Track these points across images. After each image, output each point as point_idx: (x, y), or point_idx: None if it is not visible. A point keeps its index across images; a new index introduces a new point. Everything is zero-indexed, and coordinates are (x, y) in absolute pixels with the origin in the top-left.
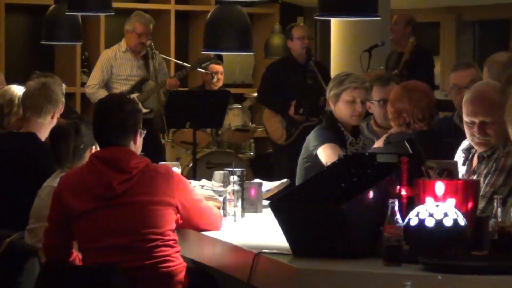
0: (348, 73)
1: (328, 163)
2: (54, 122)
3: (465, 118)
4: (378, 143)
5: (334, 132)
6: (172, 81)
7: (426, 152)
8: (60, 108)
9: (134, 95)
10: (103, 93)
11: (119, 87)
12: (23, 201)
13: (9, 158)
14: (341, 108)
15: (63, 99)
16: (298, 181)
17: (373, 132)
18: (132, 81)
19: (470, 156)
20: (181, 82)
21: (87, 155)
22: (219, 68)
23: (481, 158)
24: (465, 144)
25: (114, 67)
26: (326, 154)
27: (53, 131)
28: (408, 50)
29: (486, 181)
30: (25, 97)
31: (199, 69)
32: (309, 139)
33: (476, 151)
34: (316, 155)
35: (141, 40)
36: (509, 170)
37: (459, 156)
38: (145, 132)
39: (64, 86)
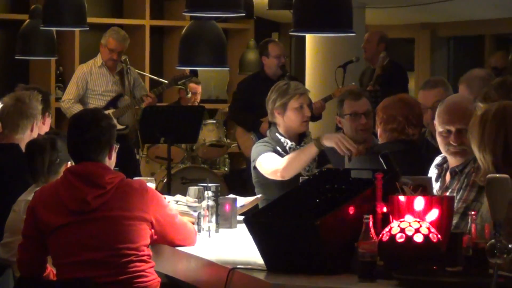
0: (286, 82)
1: (268, 170)
2: (34, 135)
3: (440, 128)
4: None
5: (270, 142)
6: (149, 99)
7: (411, 166)
8: (41, 119)
9: (110, 111)
10: (78, 108)
11: (94, 103)
12: None
13: None
14: (291, 116)
15: (41, 110)
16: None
17: None
18: (107, 97)
19: (443, 172)
20: (157, 98)
21: (62, 170)
22: (197, 87)
23: (453, 173)
24: (437, 160)
25: (89, 82)
26: (264, 163)
27: (29, 145)
28: (379, 65)
29: (458, 197)
30: (0, 114)
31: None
32: (251, 159)
33: (448, 166)
34: (258, 170)
35: (112, 56)
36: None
37: (432, 172)
38: (118, 146)
39: (52, 95)
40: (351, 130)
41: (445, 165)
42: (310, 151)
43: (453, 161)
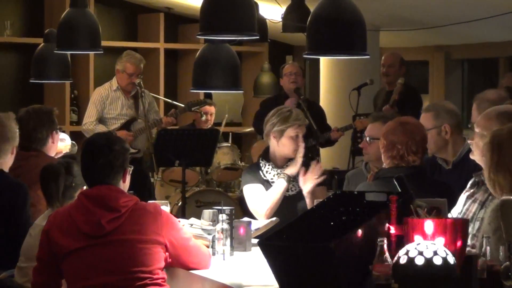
0: (289, 109)
1: (250, 207)
2: (13, 158)
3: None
4: (369, 179)
5: (253, 169)
6: (169, 120)
7: (416, 190)
8: (50, 138)
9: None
10: (102, 129)
11: (109, 126)
12: (11, 239)
13: None
14: (285, 143)
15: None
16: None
17: (369, 170)
18: (121, 120)
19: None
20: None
21: (77, 195)
22: (210, 109)
23: (481, 205)
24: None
25: (106, 105)
26: (248, 198)
27: (44, 170)
28: (396, 90)
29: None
30: None
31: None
32: None
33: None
34: None
35: (132, 80)
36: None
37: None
38: (132, 169)
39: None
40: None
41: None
42: (282, 187)
43: None
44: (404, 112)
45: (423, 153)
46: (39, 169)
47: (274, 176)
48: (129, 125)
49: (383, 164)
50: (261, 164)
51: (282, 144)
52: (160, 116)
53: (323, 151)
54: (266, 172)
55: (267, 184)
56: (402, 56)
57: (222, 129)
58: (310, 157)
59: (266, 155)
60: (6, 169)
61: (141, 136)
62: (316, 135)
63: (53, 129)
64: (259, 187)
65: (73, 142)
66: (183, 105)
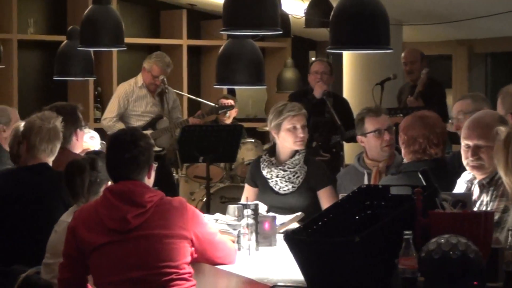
0: (285, 103)
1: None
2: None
3: (462, 142)
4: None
5: (254, 164)
6: (195, 121)
7: (438, 182)
8: (74, 136)
9: (148, 132)
10: (120, 126)
11: (133, 123)
12: (37, 235)
13: (21, 192)
14: (284, 136)
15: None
16: None
17: (363, 165)
18: (146, 117)
19: (472, 187)
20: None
21: (102, 190)
22: (232, 101)
23: (481, 187)
24: (467, 175)
25: (130, 102)
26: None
27: (69, 166)
28: (421, 81)
29: (489, 209)
30: (29, 135)
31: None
32: None
33: (477, 180)
34: None
35: (155, 81)
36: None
37: (461, 187)
38: (156, 165)
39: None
40: (375, 147)
41: (474, 181)
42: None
43: (477, 175)
44: (429, 104)
45: (444, 145)
46: (63, 166)
47: (267, 173)
48: (155, 123)
49: (381, 156)
50: (262, 158)
51: (282, 138)
52: (183, 115)
53: (347, 146)
54: (262, 168)
55: (261, 178)
56: (421, 51)
57: (246, 124)
58: (335, 151)
59: (272, 150)
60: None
61: (165, 135)
62: (341, 130)
63: (77, 127)
64: (249, 192)
65: (103, 142)
66: (207, 102)
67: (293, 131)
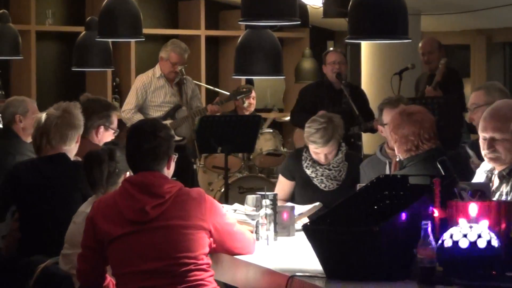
0: (315, 128)
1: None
2: (77, 146)
3: (479, 134)
4: (394, 165)
5: (293, 158)
6: (214, 108)
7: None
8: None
9: (167, 122)
10: (139, 118)
11: (153, 114)
12: (56, 226)
13: (41, 183)
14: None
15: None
16: None
17: (385, 155)
18: (165, 108)
19: (492, 177)
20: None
21: (121, 181)
22: (252, 94)
23: (501, 177)
24: (487, 165)
25: (149, 93)
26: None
27: (88, 157)
28: (440, 71)
29: (509, 199)
30: (49, 126)
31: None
32: None
33: (496, 171)
34: None
35: (174, 69)
36: None
37: (480, 177)
38: (176, 156)
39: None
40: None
41: (494, 171)
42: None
43: (495, 166)
44: (447, 94)
45: (435, 137)
46: (80, 155)
47: (312, 172)
48: (174, 113)
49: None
50: (303, 156)
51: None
52: (203, 104)
53: (365, 136)
54: (305, 167)
55: (303, 174)
56: (439, 40)
57: (264, 115)
58: (353, 142)
59: None
60: (70, 156)
61: (185, 124)
62: (359, 121)
63: (102, 124)
64: (286, 185)
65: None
66: (225, 92)
67: (316, 155)
